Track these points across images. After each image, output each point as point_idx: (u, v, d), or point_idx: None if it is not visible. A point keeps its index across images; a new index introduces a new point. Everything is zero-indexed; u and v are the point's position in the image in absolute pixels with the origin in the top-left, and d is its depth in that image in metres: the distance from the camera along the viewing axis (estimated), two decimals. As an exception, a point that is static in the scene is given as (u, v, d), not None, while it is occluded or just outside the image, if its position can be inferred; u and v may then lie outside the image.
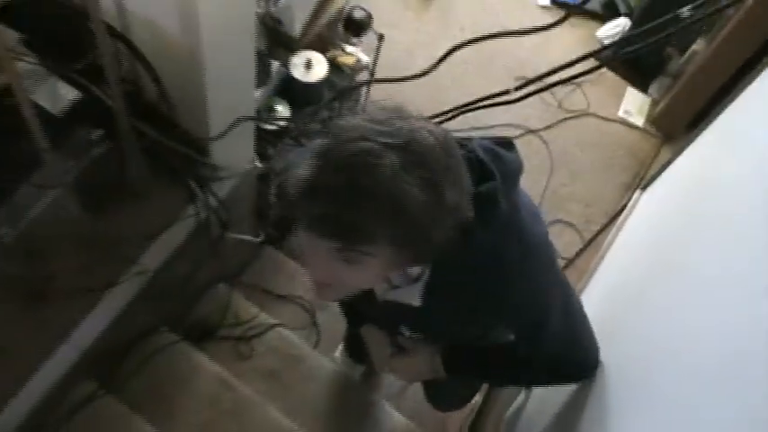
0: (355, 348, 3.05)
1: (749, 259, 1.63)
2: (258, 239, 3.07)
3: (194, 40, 1.89)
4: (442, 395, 3.07)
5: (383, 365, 2.14)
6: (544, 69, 2.62)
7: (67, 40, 1.98)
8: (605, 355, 1.93)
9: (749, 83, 2.82)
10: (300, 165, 1.27)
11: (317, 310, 3.25)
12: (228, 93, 2.19)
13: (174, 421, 2.75)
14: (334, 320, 3.21)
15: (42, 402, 2.34)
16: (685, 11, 2.50)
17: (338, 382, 3.07)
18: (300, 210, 1.28)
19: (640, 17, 4.30)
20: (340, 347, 3.27)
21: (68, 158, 2.14)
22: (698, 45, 4.15)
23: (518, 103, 2.53)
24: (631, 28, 4.52)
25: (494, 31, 4.62)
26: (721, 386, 1.36)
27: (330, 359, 3.14)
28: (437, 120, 2.14)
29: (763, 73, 2.73)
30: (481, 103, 2.47)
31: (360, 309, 2.06)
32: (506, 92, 2.41)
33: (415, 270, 1.57)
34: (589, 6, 4.85)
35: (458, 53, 4.45)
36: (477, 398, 3.24)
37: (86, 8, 1.73)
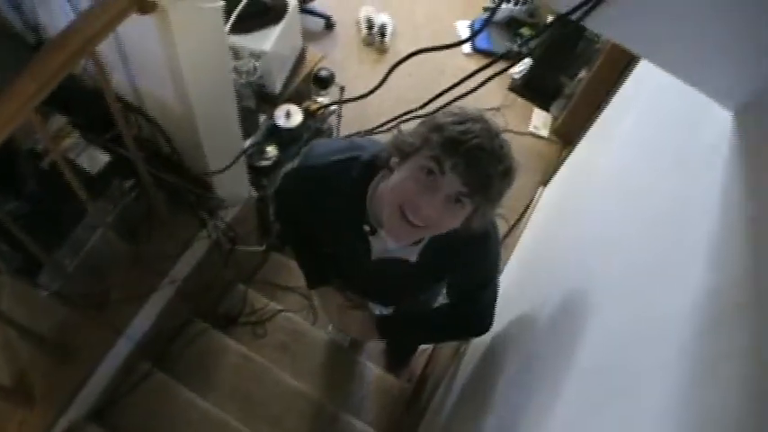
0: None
1: (601, 222, 1.75)
2: (262, 248, 3.14)
3: (187, 107, 1.96)
4: (395, 356, 3.19)
5: (334, 317, 1.92)
6: (470, 103, 2.67)
7: (99, 117, 2.04)
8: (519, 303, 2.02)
9: (612, 96, 2.97)
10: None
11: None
12: (220, 142, 2.26)
13: (210, 387, 2.81)
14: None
15: (111, 381, 2.46)
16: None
17: (331, 349, 3.14)
18: (458, 154, 1.27)
19: (538, 58, 4.45)
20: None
21: (108, 204, 2.22)
22: (583, 74, 4.24)
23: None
24: (534, 63, 4.61)
25: (431, 77, 4.74)
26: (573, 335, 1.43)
27: (325, 332, 3.20)
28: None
29: (619, 89, 2.87)
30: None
31: (344, 268, 1.88)
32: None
33: None
34: (502, 51, 4.92)
35: (410, 94, 4.54)
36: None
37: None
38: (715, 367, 0.75)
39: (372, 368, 3.13)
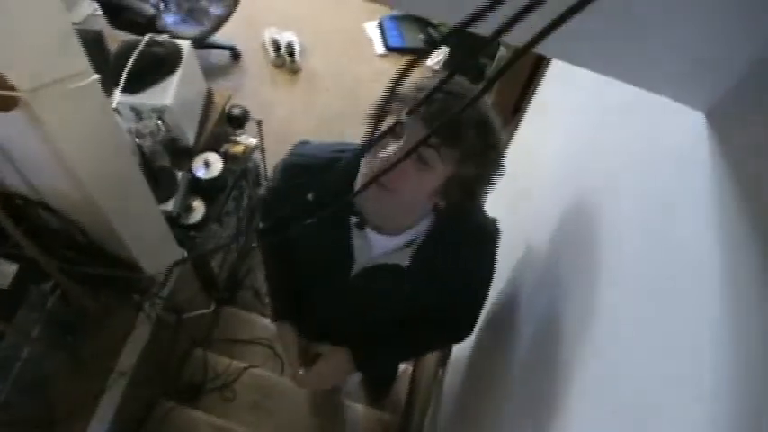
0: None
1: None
2: (211, 309, 2.97)
3: (86, 193, 1.78)
4: (378, 380, 3.03)
5: (295, 367, 1.79)
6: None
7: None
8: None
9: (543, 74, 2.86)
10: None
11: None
12: (133, 216, 2.07)
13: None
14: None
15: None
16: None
17: (307, 395, 2.99)
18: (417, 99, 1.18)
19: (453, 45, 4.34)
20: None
21: (31, 313, 2.03)
22: (502, 51, 4.15)
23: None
24: (450, 52, 4.51)
25: (350, 86, 4.61)
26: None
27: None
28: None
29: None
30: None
31: (320, 294, 1.78)
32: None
33: (411, 233, 1.47)
34: (416, 45, 4.82)
35: (333, 108, 4.41)
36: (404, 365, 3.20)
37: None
38: None
39: (355, 407, 2.98)
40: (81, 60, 1.48)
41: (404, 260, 1.50)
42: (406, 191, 1.28)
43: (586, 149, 1.59)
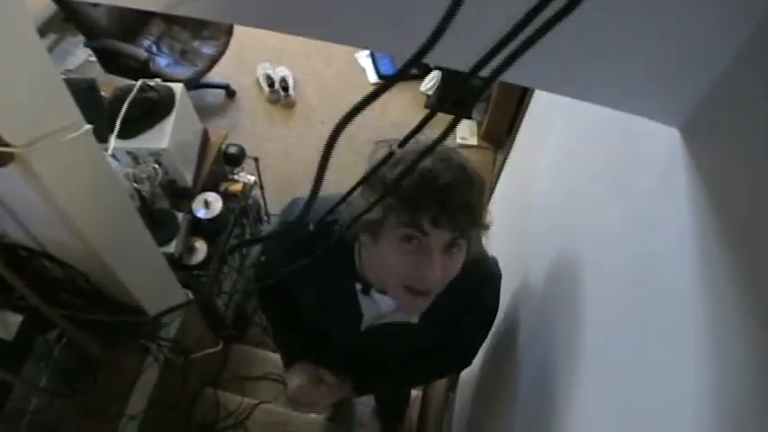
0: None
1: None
2: (219, 347, 2.97)
3: (86, 243, 1.79)
4: (390, 408, 3.01)
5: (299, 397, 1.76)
6: (390, 129, 2.58)
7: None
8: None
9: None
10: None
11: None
12: (134, 261, 2.08)
13: None
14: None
15: None
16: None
17: (320, 427, 2.99)
18: (429, 208, 1.13)
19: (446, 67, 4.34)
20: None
21: (38, 363, 2.04)
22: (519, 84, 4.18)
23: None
24: (443, 76, 4.53)
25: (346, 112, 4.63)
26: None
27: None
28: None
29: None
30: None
31: (333, 345, 1.76)
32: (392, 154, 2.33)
33: None
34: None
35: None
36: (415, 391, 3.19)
37: None
38: None
39: (369, 436, 2.98)
40: (73, 111, 1.51)
41: (413, 317, 1.50)
42: (444, 283, 1.29)
43: (570, 175, 1.61)
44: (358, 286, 1.47)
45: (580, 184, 1.51)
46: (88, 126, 1.59)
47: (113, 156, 2.64)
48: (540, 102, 2.75)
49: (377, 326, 1.55)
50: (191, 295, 2.63)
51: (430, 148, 0.85)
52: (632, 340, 0.93)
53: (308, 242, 1.42)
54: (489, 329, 1.70)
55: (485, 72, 0.66)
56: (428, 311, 1.43)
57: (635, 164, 1.08)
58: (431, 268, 1.19)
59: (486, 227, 1.28)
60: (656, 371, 0.82)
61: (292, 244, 1.49)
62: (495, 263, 1.57)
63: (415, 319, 1.50)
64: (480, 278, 1.50)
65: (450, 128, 0.76)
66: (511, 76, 0.79)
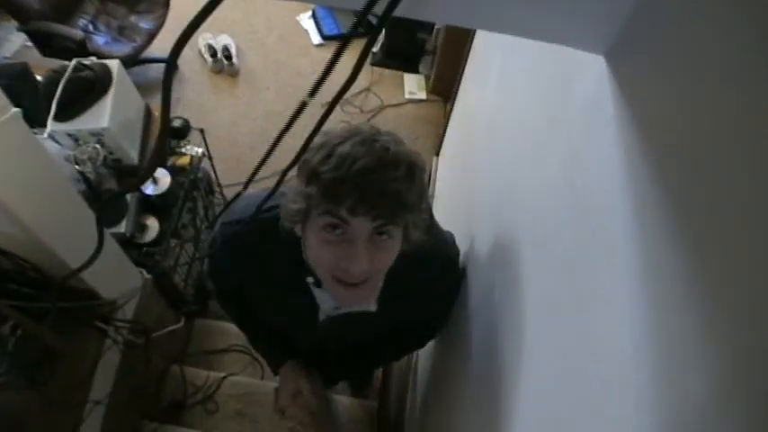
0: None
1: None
2: (181, 323, 2.94)
3: (27, 230, 1.76)
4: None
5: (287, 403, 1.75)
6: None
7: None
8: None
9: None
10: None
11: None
12: (81, 245, 2.03)
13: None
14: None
15: None
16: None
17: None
18: (346, 194, 1.08)
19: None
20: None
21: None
22: (439, 24, 4.16)
23: (332, 120, 2.46)
24: (386, 32, 4.49)
25: (291, 81, 4.58)
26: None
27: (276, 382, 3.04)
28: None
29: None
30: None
31: (296, 339, 1.76)
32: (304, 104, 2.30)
33: None
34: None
35: (276, 105, 4.37)
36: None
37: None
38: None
39: (339, 399, 2.97)
40: (-3, 97, 1.46)
41: (370, 305, 1.47)
42: (377, 273, 1.25)
43: (509, 116, 1.60)
44: (310, 280, 1.42)
45: (520, 124, 1.49)
46: (15, 109, 1.54)
47: (54, 139, 2.58)
48: (479, 45, 2.73)
49: (334, 316, 1.51)
50: (145, 274, 2.59)
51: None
52: (569, 279, 0.92)
53: (252, 241, 1.41)
54: (451, 309, 1.71)
55: (379, 8, 0.63)
56: (386, 298, 1.43)
57: (568, 97, 1.06)
58: (354, 256, 1.15)
59: (426, 210, 1.24)
60: (593, 302, 0.81)
61: (236, 246, 1.47)
62: (451, 241, 1.54)
63: (373, 308, 1.46)
64: (437, 262, 1.46)
65: (336, 57, 0.71)
66: (412, 12, 0.77)
